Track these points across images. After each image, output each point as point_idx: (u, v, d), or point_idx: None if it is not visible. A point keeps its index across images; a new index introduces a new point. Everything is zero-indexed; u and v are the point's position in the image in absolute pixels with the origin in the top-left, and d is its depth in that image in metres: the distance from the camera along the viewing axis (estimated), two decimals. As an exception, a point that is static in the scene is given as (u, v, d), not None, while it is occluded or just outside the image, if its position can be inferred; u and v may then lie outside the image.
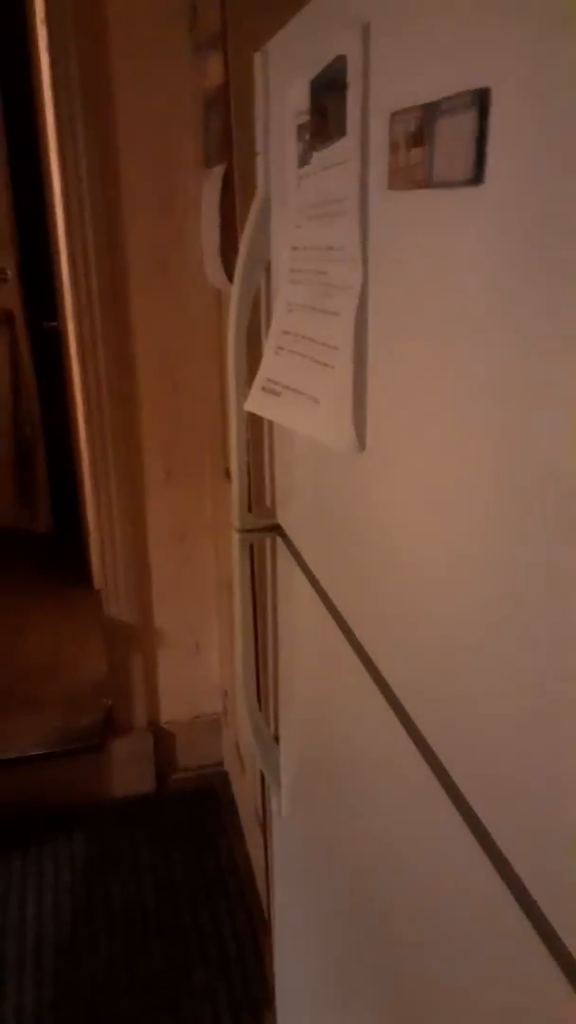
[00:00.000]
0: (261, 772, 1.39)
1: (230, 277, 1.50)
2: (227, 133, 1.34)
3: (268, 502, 1.10)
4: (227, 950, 1.71)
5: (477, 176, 0.43)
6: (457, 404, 0.50)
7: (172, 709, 2.21)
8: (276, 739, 1.16)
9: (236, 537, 1.03)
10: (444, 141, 0.46)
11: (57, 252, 2.72)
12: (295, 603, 0.99)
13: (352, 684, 0.77)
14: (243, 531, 1.03)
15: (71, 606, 2.91)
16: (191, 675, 2.19)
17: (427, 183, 0.49)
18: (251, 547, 1.08)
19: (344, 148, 0.63)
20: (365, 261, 0.63)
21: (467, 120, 0.43)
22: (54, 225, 2.72)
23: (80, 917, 1.80)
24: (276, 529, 1.04)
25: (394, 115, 0.53)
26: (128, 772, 2.18)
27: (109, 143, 1.75)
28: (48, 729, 2.19)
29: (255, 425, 1.10)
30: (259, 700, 1.18)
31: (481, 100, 0.42)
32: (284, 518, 1.02)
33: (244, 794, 1.97)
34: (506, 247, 0.42)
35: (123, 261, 1.85)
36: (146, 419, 1.96)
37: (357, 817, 0.81)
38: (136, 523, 2.03)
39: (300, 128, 0.74)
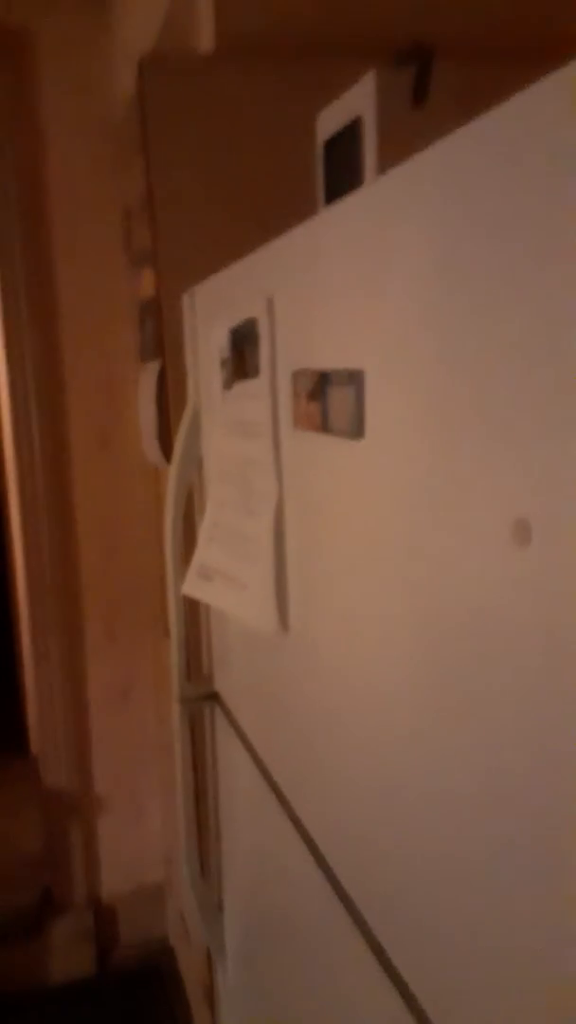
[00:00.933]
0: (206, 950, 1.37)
1: (166, 455, 1.64)
2: (160, 338, 1.53)
3: (205, 669, 1.18)
4: None
5: (359, 432, 0.57)
6: (362, 593, 0.61)
7: (113, 881, 2.13)
8: (220, 906, 1.17)
9: (176, 708, 1.09)
10: (334, 402, 0.60)
11: None
12: (233, 769, 1.05)
13: (286, 849, 0.83)
14: (183, 701, 1.09)
15: (4, 777, 2.81)
16: (133, 843, 2.14)
17: (323, 429, 0.63)
18: (191, 713, 1.14)
19: (259, 386, 0.78)
20: (280, 476, 0.76)
21: (350, 391, 0.57)
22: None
23: None
24: (214, 697, 1.12)
25: (295, 373, 0.68)
26: (67, 955, 2.06)
27: (52, 336, 1.93)
28: (-20, 913, 2.07)
29: (191, 598, 1.20)
30: (202, 867, 1.20)
31: (358, 378, 0.56)
32: (221, 686, 1.09)
33: (190, 969, 1.89)
34: (381, 481, 0.55)
35: (65, 437, 1.99)
36: (87, 582, 2.03)
37: (300, 990, 0.83)
38: (77, 684, 2.04)
39: (222, 361, 0.89)
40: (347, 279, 0.58)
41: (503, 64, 1.14)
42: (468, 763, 0.48)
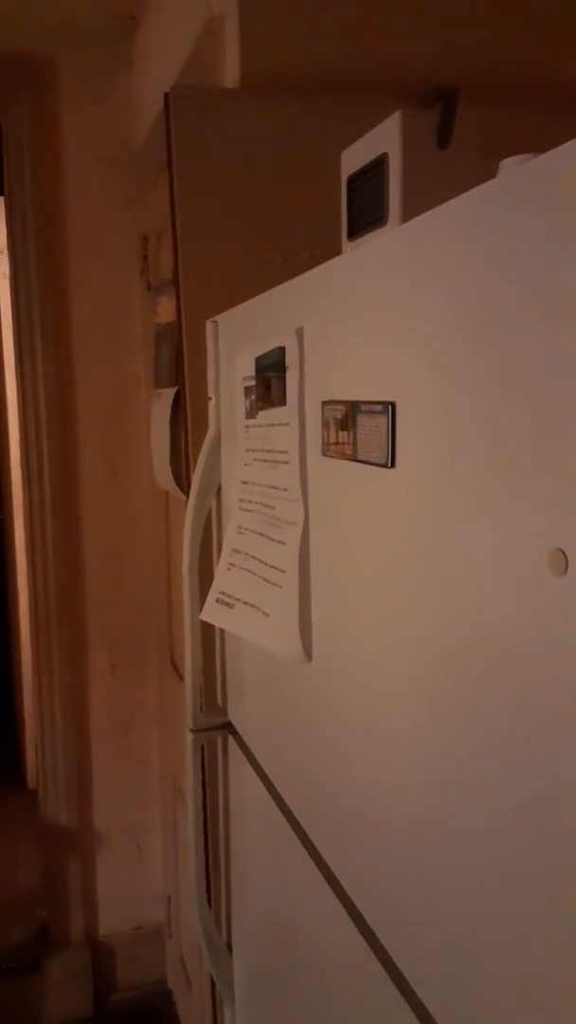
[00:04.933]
0: (212, 988, 1.33)
1: (178, 482, 1.64)
2: (178, 362, 1.53)
3: (219, 700, 1.16)
4: None
5: (390, 462, 0.56)
6: (389, 624, 0.60)
7: (111, 920, 2.08)
8: (229, 947, 1.14)
9: (189, 737, 1.07)
10: (364, 432, 0.60)
11: (5, 450, 2.86)
12: (247, 802, 1.02)
13: (304, 886, 0.81)
14: (196, 731, 1.08)
15: (2, 811, 2.77)
16: (132, 881, 2.09)
17: (352, 458, 0.62)
18: (203, 744, 1.12)
19: (286, 413, 0.78)
20: (306, 503, 0.75)
21: (381, 421, 0.57)
22: (3, 426, 2.89)
23: None
24: (227, 727, 1.10)
25: (325, 403, 0.68)
26: (63, 993, 2.01)
27: (64, 365, 1.94)
28: (-25, 950, 2.02)
29: (205, 628, 1.19)
30: (210, 907, 1.17)
31: (392, 409, 0.56)
32: (235, 716, 1.08)
33: (190, 1014, 1.84)
34: (412, 511, 0.55)
35: (75, 465, 1.99)
36: (92, 612, 2.01)
37: (316, 1029, 0.81)
38: (78, 716, 2.02)
39: (247, 388, 0.89)
40: (377, 314, 0.59)
41: (526, 107, 1.17)
42: (497, 798, 0.47)
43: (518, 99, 1.21)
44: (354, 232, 1.01)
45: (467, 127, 0.94)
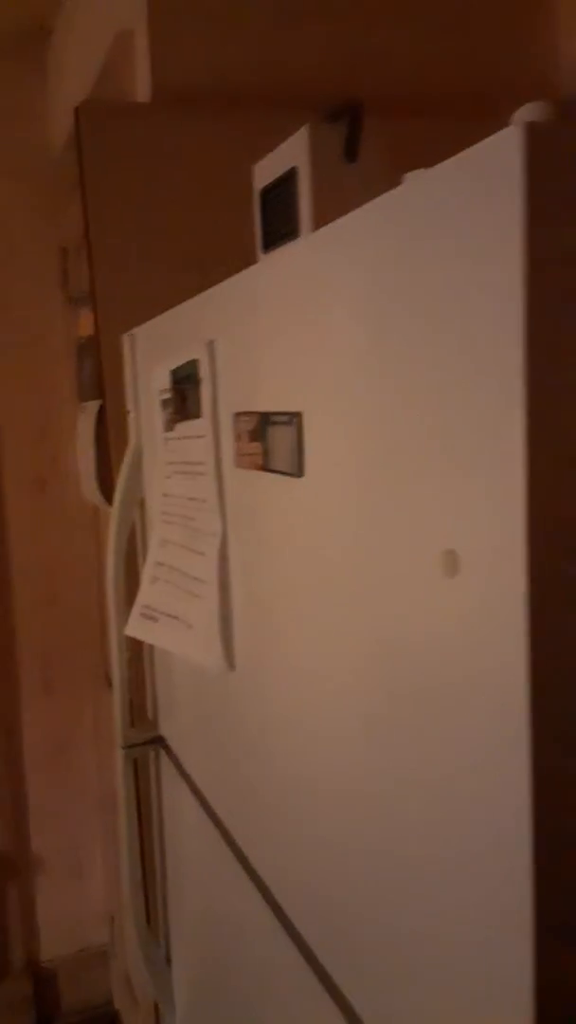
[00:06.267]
0: (155, 1005, 1.32)
1: (106, 496, 1.62)
2: (99, 377, 1.52)
3: (150, 714, 1.16)
4: None
5: (299, 471, 0.58)
6: (306, 628, 0.61)
7: (53, 944, 2.03)
8: (168, 961, 1.13)
9: (120, 753, 1.06)
10: (275, 443, 0.61)
11: None
12: (180, 815, 1.02)
13: (237, 897, 0.81)
14: (127, 747, 1.07)
15: None
16: (74, 904, 2.05)
17: (264, 468, 0.63)
18: (135, 760, 1.11)
19: (201, 426, 0.78)
20: (224, 514, 0.76)
21: (290, 432, 0.58)
22: None
23: None
24: (159, 741, 1.09)
25: (237, 415, 0.69)
26: (6, 1021, 1.95)
27: (-12, 378, 1.90)
28: None
29: (135, 641, 1.18)
30: (148, 921, 1.16)
31: (298, 420, 0.57)
32: (166, 730, 1.07)
33: (136, 1034, 1.81)
34: (320, 518, 0.56)
35: (0, 481, 1.94)
36: (23, 630, 1.97)
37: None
38: (11, 738, 1.97)
39: (164, 402, 0.89)
40: (285, 325, 0.60)
41: (435, 120, 1.20)
42: (417, 794, 0.48)
43: (427, 112, 1.25)
44: (268, 245, 1.03)
45: (376, 140, 0.97)
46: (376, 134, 0.96)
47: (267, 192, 1.02)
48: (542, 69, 1.37)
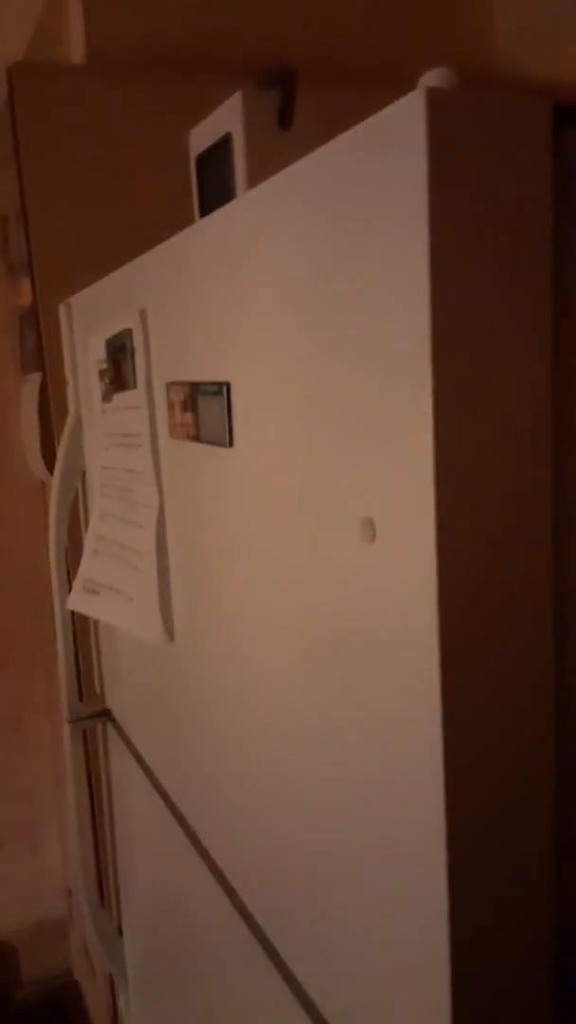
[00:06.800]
0: (110, 974, 1.33)
1: (50, 469, 1.60)
2: (39, 349, 1.49)
3: (97, 687, 1.16)
4: None
5: (228, 441, 0.57)
6: (241, 596, 0.62)
7: (12, 917, 2.04)
8: (120, 931, 1.14)
9: (67, 728, 1.06)
10: (205, 413, 0.60)
11: None
12: (128, 787, 1.03)
13: (183, 867, 0.82)
14: (74, 721, 1.07)
15: None
16: (31, 877, 2.05)
17: (196, 438, 0.63)
18: (84, 733, 1.11)
19: (136, 396, 0.77)
20: (160, 486, 0.76)
21: (219, 402, 0.58)
22: None
23: None
24: (106, 714, 1.09)
25: (169, 384, 0.68)
26: (-38, 1002, 1.96)
27: None
28: None
29: (81, 615, 1.17)
30: (101, 894, 1.17)
31: (227, 390, 0.57)
32: (112, 703, 1.07)
33: (96, 1003, 1.83)
34: (250, 488, 0.56)
35: (-57, 456, 1.90)
36: (-28, 607, 1.94)
37: (203, 1011, 0.83)
38: (-37, 715, 1.95)
39: (101, 372, 0.88)
40: (215, 292, 0.59)
41: (367, 90, 1.19)
42: (349, 756, 0.49)
43: (361, 81, 1.24)
44: (205, 212, 1.01)
45: (311, 109, 0.95)
46: (311, 102, 0.95)
47: (203, 158, 1.00)
48: (478, 40, 1.37)
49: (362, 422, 0.43)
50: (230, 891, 0.71)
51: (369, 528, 0.43)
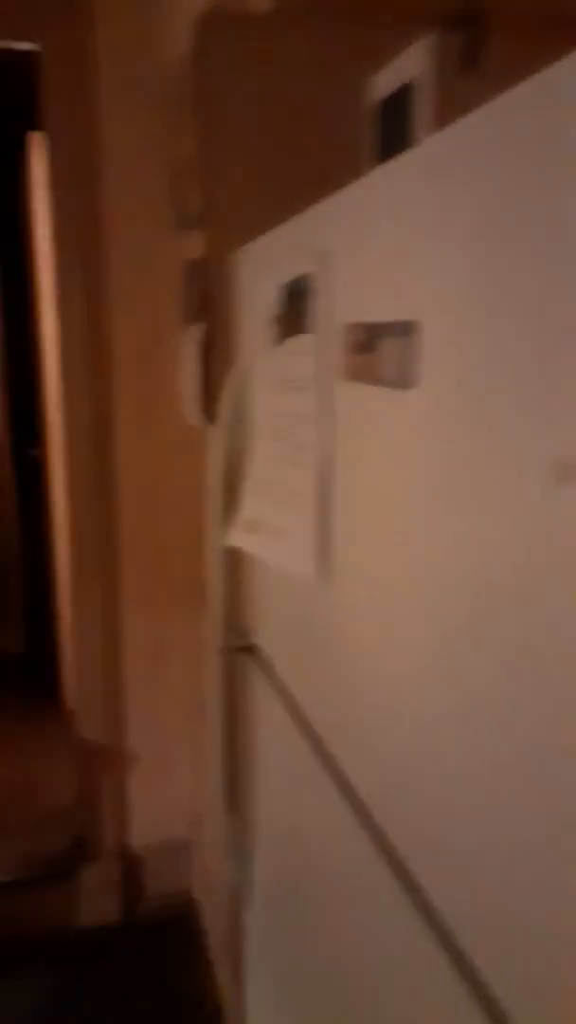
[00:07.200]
0: (231, 899, 1.42)
1: (208, 417, 1.67)
2: (206, 300, 1.55)
3: (244, 623, 1.21)
4: None
5: (410, 383, 0.59)
6: (406, 542, 0.63)
7: (142, 833, 2.20)
8: (250, 851, 1.21)
9: (215, 656, 1.13)
10: (385, 354, 0.62)
11: (42, 385, 2.91)
12: (268, 720, 1.08)
13: (322, 798, 0.86)
14: (222, 651, 1.13)
15: (40, 728, 2.90)
16: (162, 798, 2.20)
17: (374, 381, 0.65)
18: (229, 665, 1.18)
19: (310, 340, 0.80)
20: (328, 428, 0.78)
21: (403, 343, 0.59)
22: (40, 362, 2.92)
23: (44, 1060, 1.73)
24: (251, 649, 1.15)
25: (348, 326, 0.70)
26: (96, 900, 2.14)
27: (102, 300, 1.96)
28: (15, 856, 2.16)
29: (234, 553, 1.23)
30: (233, 814, 1.24)
31: (412, 330, 0.58)
32: (260, 638, 1.13)
33: (214, 923, 1.96)
34: (428, 432, 0.57)
35: (109, 403, 2.02)
36: (127, 544, 2.08)
37: (329, 934, 0.86)
38: (114, 644, 2.10)
39: (274, 317, 0.91)
40: (401, 235, 0.60)
41: (555, 35, 1.13)
42: (508, 709, 0.50)
43: (548, 27, 1.18)
44: (383, 159, 1.01)
45: (496, 54, 0.93)
46: (495, 50, 0.93)
47: (384, 105, 1.00)
48: None
49: (564, 359, 0.43)
50: (367, 821, 0.74)
51: (566, 469, 0.43)
